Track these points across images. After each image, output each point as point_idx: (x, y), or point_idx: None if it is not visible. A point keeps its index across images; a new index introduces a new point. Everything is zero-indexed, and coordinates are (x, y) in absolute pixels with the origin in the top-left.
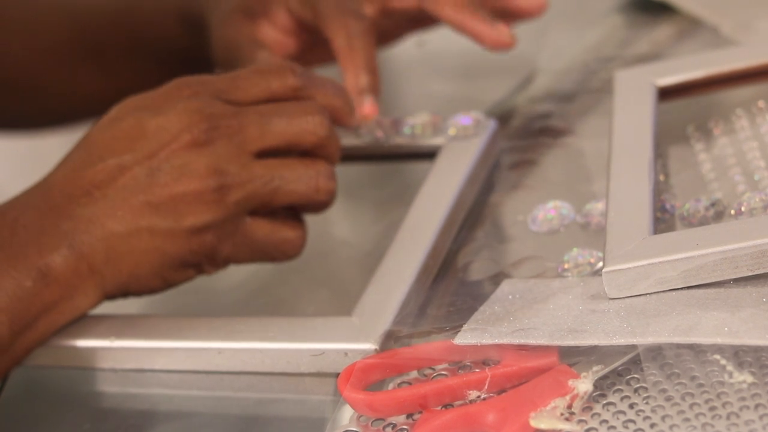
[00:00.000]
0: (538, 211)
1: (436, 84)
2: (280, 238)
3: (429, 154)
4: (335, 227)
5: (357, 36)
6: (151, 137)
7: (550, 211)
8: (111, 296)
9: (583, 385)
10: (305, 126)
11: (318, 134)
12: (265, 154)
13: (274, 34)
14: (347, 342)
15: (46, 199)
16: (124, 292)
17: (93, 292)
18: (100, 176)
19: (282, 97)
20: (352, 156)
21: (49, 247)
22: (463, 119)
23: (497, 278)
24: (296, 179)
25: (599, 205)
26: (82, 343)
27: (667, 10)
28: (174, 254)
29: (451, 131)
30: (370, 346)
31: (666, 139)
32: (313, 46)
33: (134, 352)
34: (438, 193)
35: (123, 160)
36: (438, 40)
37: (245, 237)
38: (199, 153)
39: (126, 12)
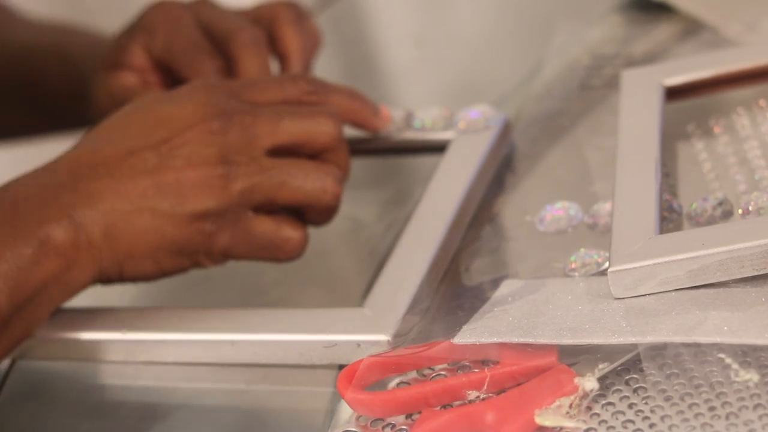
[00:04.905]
0: (546, 211)
1: (436, 84)
2: (281, 236)
3: (438, 148)
4: (337, 225)
5: (210, 76)
6: (164, 125)
7: (558, 212)
8: (106, 276)
9: (589, 383)
10: (317, 126)
11: (330, 134)
12: (276, 153)
13: (136, 78)
14: (360, 333)
15: (51, 177)
16: (119, 274)
17: (90, 266)
18: (108, 158)
19: (296, 102)
20: (360, 149)
21: (49, 218)
22: (473, 113)
23: (503, 278)
24: (304, 176)
25: (607, 206)
26: (94, 335)
27: (667, 10)
28: (172, 238)
29: (461, 125)
30: (383, 337)
31: (667, 138)
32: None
33: (146, 344)
34: (449, 185)
35: (134, 145)
36: (437, 40)
37: (246, 231)
38: (210, 142)
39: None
